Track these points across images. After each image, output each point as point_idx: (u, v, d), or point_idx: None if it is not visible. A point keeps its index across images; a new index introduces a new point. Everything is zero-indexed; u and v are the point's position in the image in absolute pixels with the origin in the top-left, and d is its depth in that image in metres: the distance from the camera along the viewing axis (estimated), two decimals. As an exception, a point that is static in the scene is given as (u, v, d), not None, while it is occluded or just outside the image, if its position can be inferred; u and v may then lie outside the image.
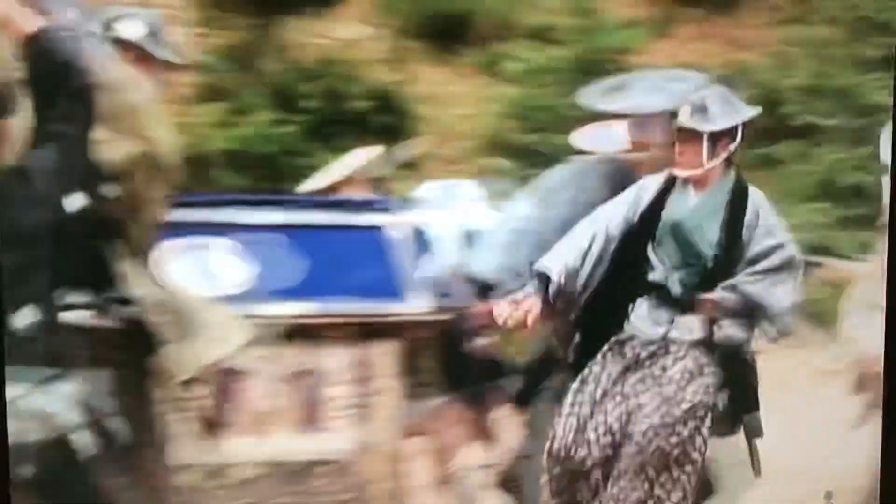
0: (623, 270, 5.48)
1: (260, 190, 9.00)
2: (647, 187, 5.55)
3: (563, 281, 5.45)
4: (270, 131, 9.44)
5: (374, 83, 9.66)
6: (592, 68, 8.44)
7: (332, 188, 6.60)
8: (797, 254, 5.51)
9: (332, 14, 10.24)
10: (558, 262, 5.51)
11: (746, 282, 5.34)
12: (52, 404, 4.26)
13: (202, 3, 10.15)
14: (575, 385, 5.49)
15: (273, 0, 9.90)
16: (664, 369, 5.43)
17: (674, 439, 5.42)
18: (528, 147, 9.29)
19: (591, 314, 5.47)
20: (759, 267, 5.35)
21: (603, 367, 5.45)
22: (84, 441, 4.28)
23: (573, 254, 5.52)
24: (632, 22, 9.92)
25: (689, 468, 5.48)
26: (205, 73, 9.92)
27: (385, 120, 8.93)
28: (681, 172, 5.45)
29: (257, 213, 5.97)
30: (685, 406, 5.42)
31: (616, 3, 10.24)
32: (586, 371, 5.47)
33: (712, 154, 5.39)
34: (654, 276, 5.34)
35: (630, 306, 5.42)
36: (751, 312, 5.30)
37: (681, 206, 5.46)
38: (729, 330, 5.32)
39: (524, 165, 9.04)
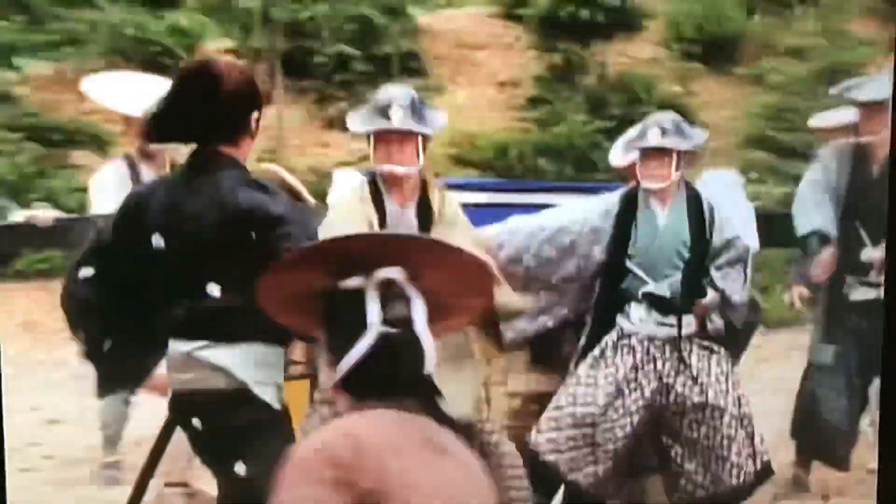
0: (610, 282, 5.50)
1: (567, 177, 10.55)
2: (597, 207, 5.57)
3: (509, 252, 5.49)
4: (583, 130, 11.15)
5: (664, 92, 11.38)
6: (835, 77, 8.53)
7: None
8: (749, 244, 5.62)
9: (634, 39, 12.08)
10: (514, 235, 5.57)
11: (716, 277, 5.47)
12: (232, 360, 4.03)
13: (533, 31, 12.17)
14: (586, 366, 5.45)
15: (587, 28, 11.62)
16: (682, 359, 5.43)
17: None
18: (781, 143, 10.74)
19: (599, 310, 5.50)
20: (721, 260, 5.48)
21: (618, 355, 5.47)
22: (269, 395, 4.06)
23: (506, 235, 5.56)
24: (868, 39, 11.20)
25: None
26: (535, 84, 11.93)
27: (672, 122, 10.48)
28: (652, 185, 5.42)
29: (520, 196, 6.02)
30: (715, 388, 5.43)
31: (856, 24, 11.64)
32: (600, 356, 5.46)
33: (677, 169, 5.44)
34: (646, 287, 5.41)
35: (627, 309, 5.45)
36: (724, 304, 5.45)
37: (652, 223, 5.49)
38: (718, 322, 5.46)
39: (777, 157, 10.77)
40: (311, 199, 5.78)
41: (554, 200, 5.83)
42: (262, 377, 4.08)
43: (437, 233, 5.00)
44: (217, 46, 11.91)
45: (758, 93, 11.68)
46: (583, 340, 5.51)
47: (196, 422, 4.14)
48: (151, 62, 11.81)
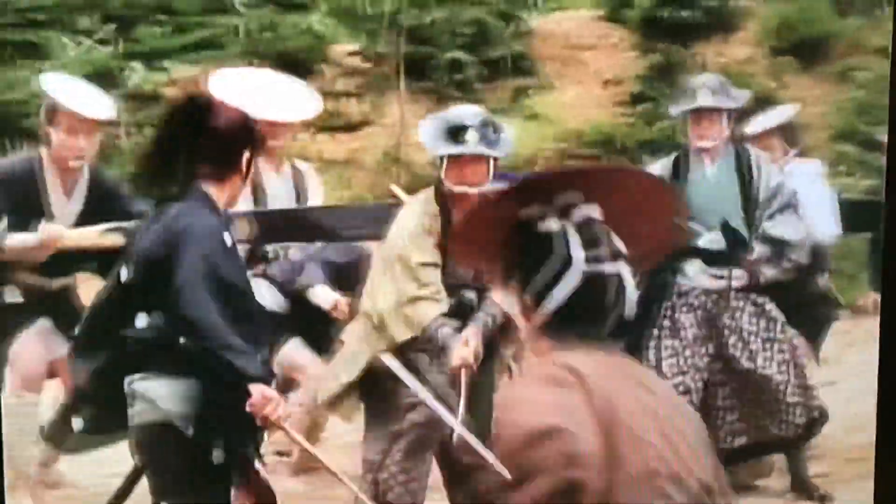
0: None
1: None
2: (665, 168, 5.64)
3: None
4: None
5: (758, 88, 10.93)
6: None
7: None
8: (796, 187, 5.70)
9: (730, 38, 12.44)
10: None
11: (769, 226, 5.52)
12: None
13: (636, 32, 12.65)
14: (654, 332, 5.53)
15: (687, 29, 12.15)
16: (734, 317, 5.50)
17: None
18: (868, 137, 11.08)
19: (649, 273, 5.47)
20: (772, 209, 5.53)
21: (675, 314, 5.49)
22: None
23: None
24: (954, 38, 11.54)
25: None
26: (638, 82, 12.35)
27: (766, 117, 10.82)
28: (703, 144, 5.49)
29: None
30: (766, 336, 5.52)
31: (942, 23, 11.96)
32: (661, 320, 5.50)
33: (726, 128, 5.52)
34: (700, 241, 5.47)
35: (683, 265, 5.54)
36: (780, 252, 5.51)
37: (701, 179, 5.57)
38: (768, 272, 5.54)
39: (864, 151, 11.24)
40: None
41: None
42: (184, 410, 3.94)
43: None
44: (345, 49, 12.61)
45: (847, 90, 12.00)
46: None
47: (136, 458, 4.07)
48: (284, 63, 12.55)
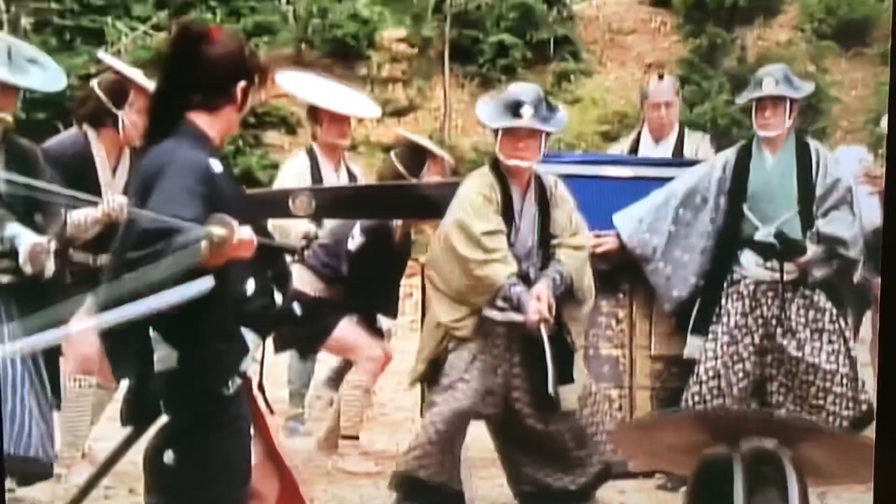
0: (726, 228, 5.53)
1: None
2: (719, 162, 5.60)
3: (630, 235, 5.56)
4: (725, 109, 11.55)
5: (799, 72, 10.26)
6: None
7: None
8: (851, 183, 5.59)
9: (771, 23, 12.44)
10: (630, 220, 5.63)
11: (822, 224, 5.48)
12: None
13: (678, 16, 12.55)
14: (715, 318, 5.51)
15: (729, 13, 11.95)
16: (783, 308, 5.49)
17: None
18: None
19: (707, 261, 5.56)
20: (827, 205, 5.50)
21: (728, 302, 5.52)
22: None
23: (645, 210, 5.61)
24: None
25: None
26: (680, 66, 12.11)
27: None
28: (767, 133, 5.45)
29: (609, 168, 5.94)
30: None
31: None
32: (722, 306, 5.52)
33: (789, 117, 5.46)
34: (757, 234, 5.43)
35: (738, 254, 5.50)
36: (833, 250, 5.47)
37: (761, 169, 5.56)
38: (818, 273, 5.47)
39: None
40: (445, 155, 5.97)
41: (647, 173, 5.87)
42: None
43: (554, 215, 5.15)
44: (392, 35, 12.70)
45: (886, 72, 11.89)
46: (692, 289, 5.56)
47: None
48: (333, 48, 12.65)
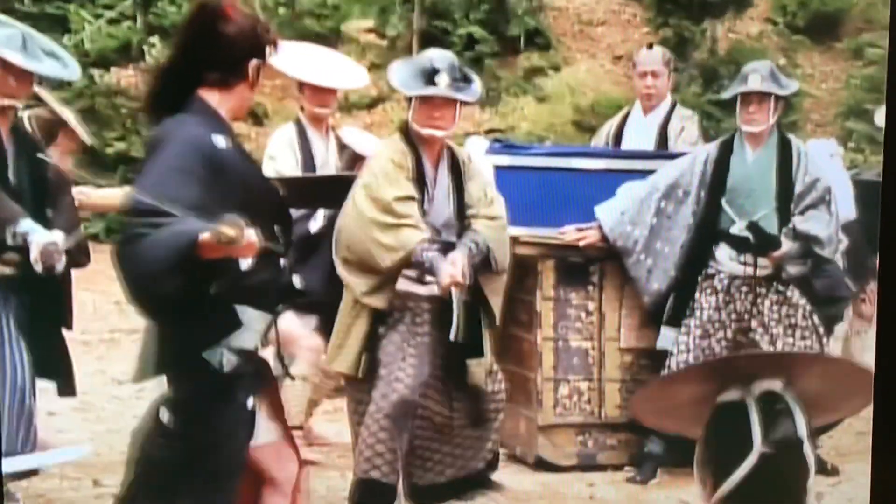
0: (704, 221, 5.61)
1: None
2: (700, 156, 5.64)
3: (612, 227, 5.63)
4: (697, 101, 11.09)
5: None
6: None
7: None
8: (831, 183, 5.62)
9: (742, 15, 12.36)
10: (612, 213, 5.71)
11: (799, 221, 5.46)
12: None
13: (648, 8, 12.50)
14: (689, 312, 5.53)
15: (699, 6, 11.97)
16: (755, 303, 5.49)
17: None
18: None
19: (685, 254, 5.62)
20: (805, 203, 5.48)
21: (702, 296, 5.52)
22: None
23: (628, 202, 5.70)
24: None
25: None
26: None
27: (776, 93, 10.70)
28: (751, 129, 5.49)
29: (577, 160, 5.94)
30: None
31: (954, 0, 11.88)
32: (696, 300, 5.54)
33: (773, 113, 5.51)
34: (732, 228, 5.44)
35: (714, 248, 5.52)
36: (808, 248, 5.46)
37: (742, 164, 5.55)
38: (792, 270, 5.48)
39: (875, 128, 9.86)
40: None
41: (608, 165, 5.93)
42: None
43: (468, 186, 5.16)
44: (360, 25, 12.61)
45: (858, 66, 11.86)
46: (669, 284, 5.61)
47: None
48: (301, 39, 12.54)
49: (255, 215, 3.47)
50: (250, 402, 3.70)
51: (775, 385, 2.49)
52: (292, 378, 4.32)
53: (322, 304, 5.57)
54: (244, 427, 3.69)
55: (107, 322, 6.88)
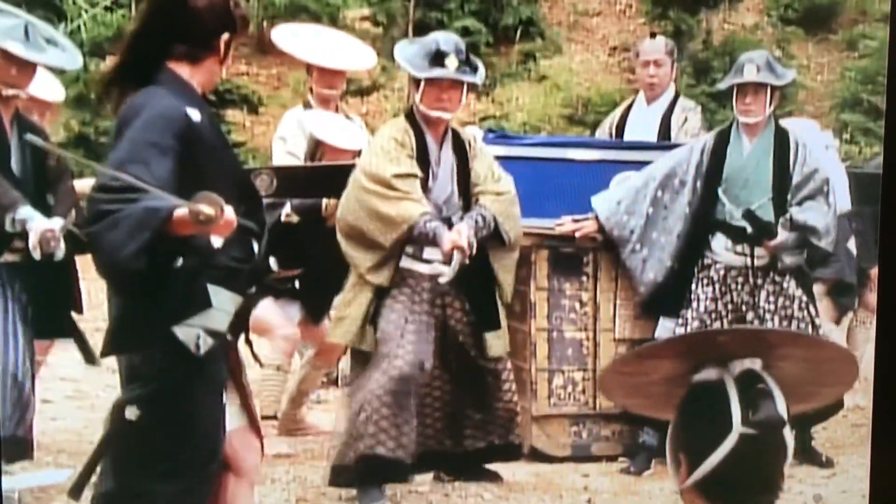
0: (700, 211, 5.59)
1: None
2: (697, 146, 5.63)
3: (608, 217, 5.62)
4: (691, 92, 10.97)
5: None
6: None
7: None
8: (828, 174, 5.61)
9: (737, 7, 12.45)
10: (608, 203, 5.70)
11: (796, 212, 5.45)
12: None
13: (645, 0, 12.50)
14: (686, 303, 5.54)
15: None
16: (753, 293, 5.50)
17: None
18: (873, 106, 10.97)
19: (681, 244, 5.61)
20: (802, 194, 5.48)
21: (699, 287, 5.52)
22: None
23: (624, 192, 5.69)
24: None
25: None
26: None
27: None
28: (747, 119, 5.48)
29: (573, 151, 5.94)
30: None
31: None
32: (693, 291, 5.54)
33: (769, 104, 5.51)
34: (727, 217, 5.44)
35: (710, 238, 5.51)
36: (804, 239, 5.46)
37: (738, 154, 5.54)
38: (788, 259, 5.47)
39: (869, 119, 11.00)
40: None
41: (600, 156, 5.94)
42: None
43: (474, 165, 5.18)
44: (356, 14, 12.58)
45: (853, 58, 11.90)
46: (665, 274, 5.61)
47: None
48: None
49: (225, 191, 3.41)
50: (225, 391, 3.67)
51: (755, 364, 2.43)
52: (261, 365, 4.28)
53: (305, 292, 5.58)
54: (221, 410, 3.65)
55: (101, 310, 6.83)
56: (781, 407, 2.38)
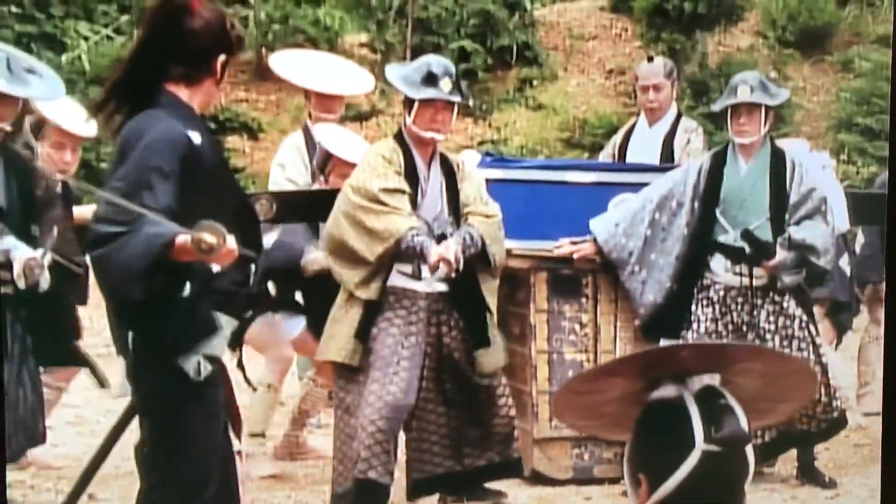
0: (698, 232, 5.54)
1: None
2: (693, 167, 5.62)
3: (606, 240, 5.58)
4: (689, 114, 11.44)
5: None
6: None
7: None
8: (826, 193, 5.58)
9: (732, 29, 12.46)
10: (606, 225, 5.65)
11: (795, 231, 5.44)
12: None
13: (639, 23, 12.59)
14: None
15: (690, 19, 12.01)
16: (752, 313, 5.49)
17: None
18: (869, 126, 10.99)
19: (680, 265, 5.57)
20: (800, 213, 5.47)
21: (698, 308, 5.54)
22: None
23: (622, 214, 5.64)
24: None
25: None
26: None
27: (767, 106, 10.73)
28: (742, 140, 5.46)
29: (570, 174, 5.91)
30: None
31: (941, 12, 11.73)
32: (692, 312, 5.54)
33: (764, 124, 5.49)
34: (726, 238, 5.42)
35: (709, 259, 5.50)
36: (803, 258, 5.45)
37: (735, 175, 5.54)
38: (787, 279, 5.45)
39: (865, 139, 11.00)
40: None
41: (597, 178, 5.89)
42: None
43: (463, 187, 5.17)
44: (354, 40, 12.62)
45: (848, 79, 11.92)
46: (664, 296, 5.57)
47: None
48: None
49: (224, 213, 3.41)
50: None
51: (714, 380, 2.36)
52: (254, 389, 4.25)
53: (309, 306, 5.55)
54: (223, 434, 3.62)
55: (102, 337, 6.82)
56: (744, 423, 2.31)
